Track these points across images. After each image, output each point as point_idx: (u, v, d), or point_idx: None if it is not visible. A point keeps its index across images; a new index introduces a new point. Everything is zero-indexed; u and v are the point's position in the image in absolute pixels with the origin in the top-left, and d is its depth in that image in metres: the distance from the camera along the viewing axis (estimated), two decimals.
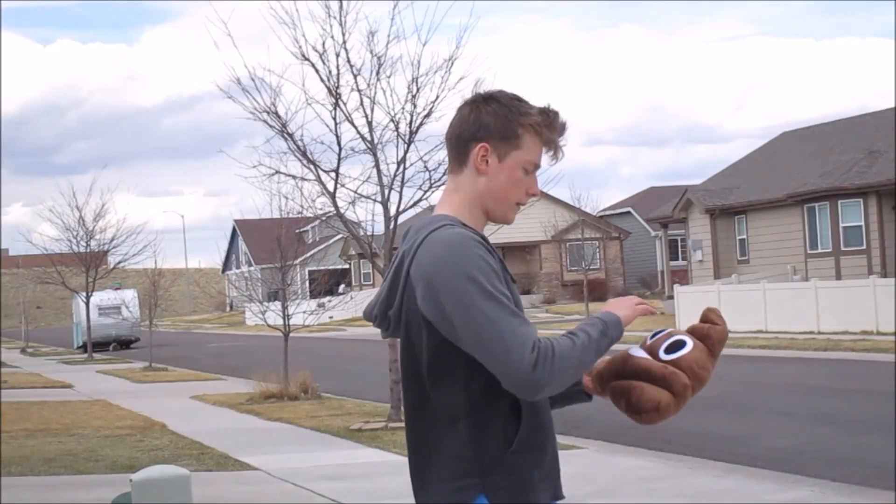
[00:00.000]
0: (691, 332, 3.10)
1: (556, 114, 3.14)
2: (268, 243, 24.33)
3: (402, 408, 3.13)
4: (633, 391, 3.01)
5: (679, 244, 53.00)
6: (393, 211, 16.03)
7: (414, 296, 2.99)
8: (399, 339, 3.13)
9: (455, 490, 2.98)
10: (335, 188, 16.14)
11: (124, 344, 48.87)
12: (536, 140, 3.11)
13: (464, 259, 2.92)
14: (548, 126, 3.12)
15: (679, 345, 3.03)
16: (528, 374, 2.82)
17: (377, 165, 15.96)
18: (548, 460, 3.08)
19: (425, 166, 15.92)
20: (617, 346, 3.08)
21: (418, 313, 2.98)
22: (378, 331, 3.27)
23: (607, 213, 63.12)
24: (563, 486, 3.17)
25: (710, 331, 3.05)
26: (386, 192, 16.00)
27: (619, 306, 3.09)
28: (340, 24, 15.75)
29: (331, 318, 46.80)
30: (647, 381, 3.02)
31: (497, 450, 2.98)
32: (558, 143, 3.15)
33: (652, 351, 3.09)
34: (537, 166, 3.15)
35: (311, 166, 16.21)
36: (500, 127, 3.08)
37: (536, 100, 3.21)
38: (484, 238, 3.08)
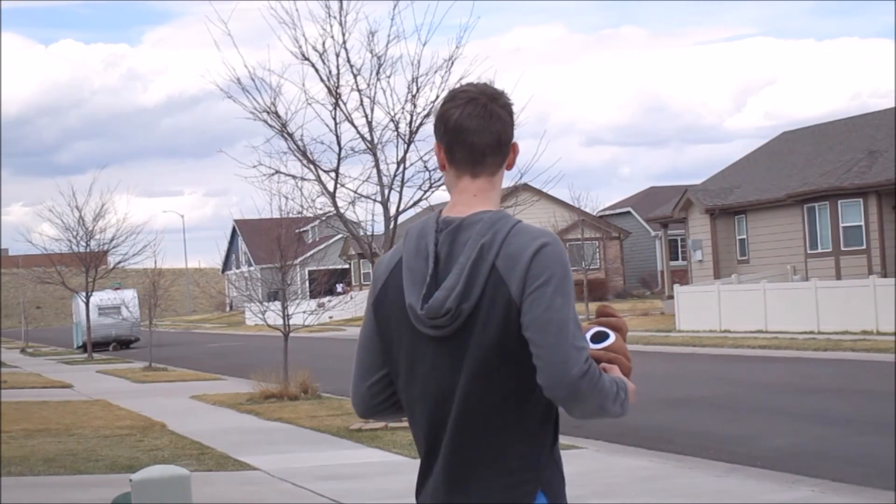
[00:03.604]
0: (605, 325, 3.17)
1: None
2: (268, 243, 24.27)
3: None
4: None
5: (679, 244, 52.97)
6: (393, 211, 16.03)
7: (499, 287, 2.91)
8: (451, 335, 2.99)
9: (510, 486, 2.91)
10: (335, 188, 16.14)
11: (124, 344, 48.85)
12: None
13: (565, 254, 2.98)
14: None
15: (603, 336, 3.12)
16: (575, 377, 2.81)
17: (377, 165, 15.96)
18: None
19: (425, 166, 15.94)
20: None
21: (500, 304, 2.90)
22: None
23: (607, 213, 63.07)
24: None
25: (618, 323, 3.15)
26: (386, 191, 16.00)
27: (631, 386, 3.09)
28: (340, 24, 15.77)
29: (331, 318, 46.80)
30: None
31: (549, 444, 2.96)
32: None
33: None
34: None
35: (311, 166, 16.22)
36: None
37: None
38: None
